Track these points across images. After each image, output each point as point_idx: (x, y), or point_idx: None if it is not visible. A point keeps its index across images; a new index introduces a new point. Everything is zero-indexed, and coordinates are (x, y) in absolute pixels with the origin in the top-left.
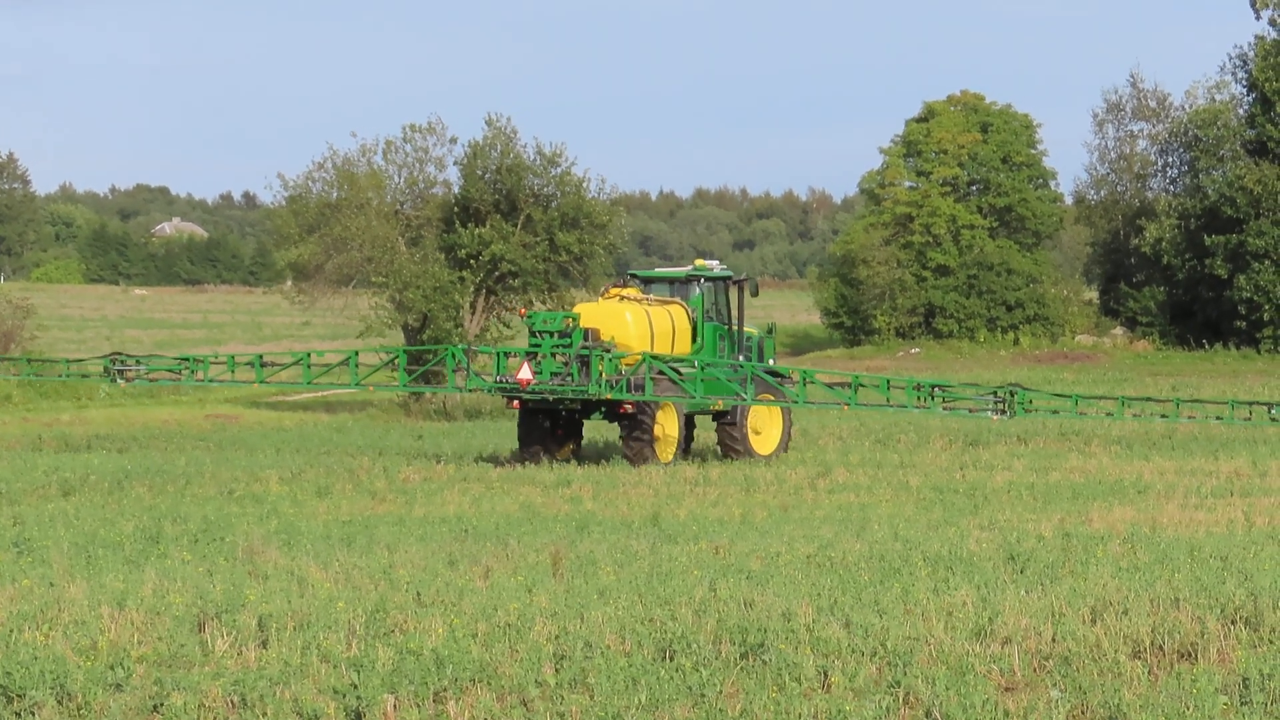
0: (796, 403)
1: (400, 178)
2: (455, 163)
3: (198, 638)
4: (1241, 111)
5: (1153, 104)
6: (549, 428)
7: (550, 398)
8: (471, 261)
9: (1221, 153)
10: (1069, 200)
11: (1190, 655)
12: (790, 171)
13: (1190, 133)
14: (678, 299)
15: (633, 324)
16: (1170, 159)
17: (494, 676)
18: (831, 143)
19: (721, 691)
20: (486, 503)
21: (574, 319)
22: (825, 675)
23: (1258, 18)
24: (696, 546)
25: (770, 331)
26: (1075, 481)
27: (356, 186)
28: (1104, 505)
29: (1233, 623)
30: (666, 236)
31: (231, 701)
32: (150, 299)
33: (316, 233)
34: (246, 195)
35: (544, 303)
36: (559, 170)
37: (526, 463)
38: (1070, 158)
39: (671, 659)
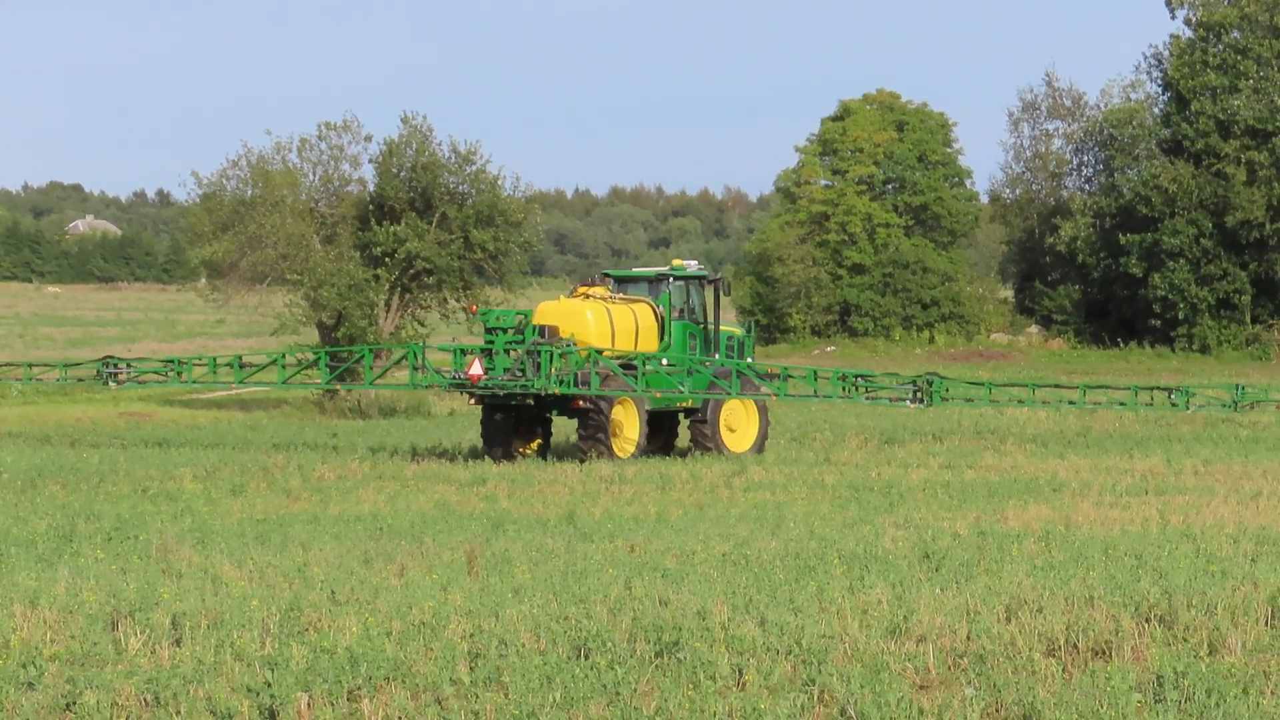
0: (727, 394)
1: (315, 175)
2: (370, 160)
3: (111, 636)
4: (1157, 110)
5: (1068, 103)
6: (513, 425)
7: (500, 393)
8: (386, 259)
9: (1136, 152)
10: (984, 199)
11: (1105, 653)
12: (706, 170)
13: (1105, 132)
14: (646, 298)
15: (593, 322)
16: (1085, 158)
17: (408, 675)
18: (747, 141)
19: (636, 690)
20: (402, 501)
21: (526, 315)
22: (740, 673)
23: (1173, 17)
24: (612, 545)
25: (749, 331)
26: (990, 479)
27: (271, 184)
28: (1019, 503)
29: (1147, 621)
30: (582, 234)
31: (145, 700)
32: (63, 297)
33: (231, 230)
34: (161, 193)
35: (458, 300)
36: (474, 168)
37: (500, 460)
38: (986, 156)
39: (586, 657)
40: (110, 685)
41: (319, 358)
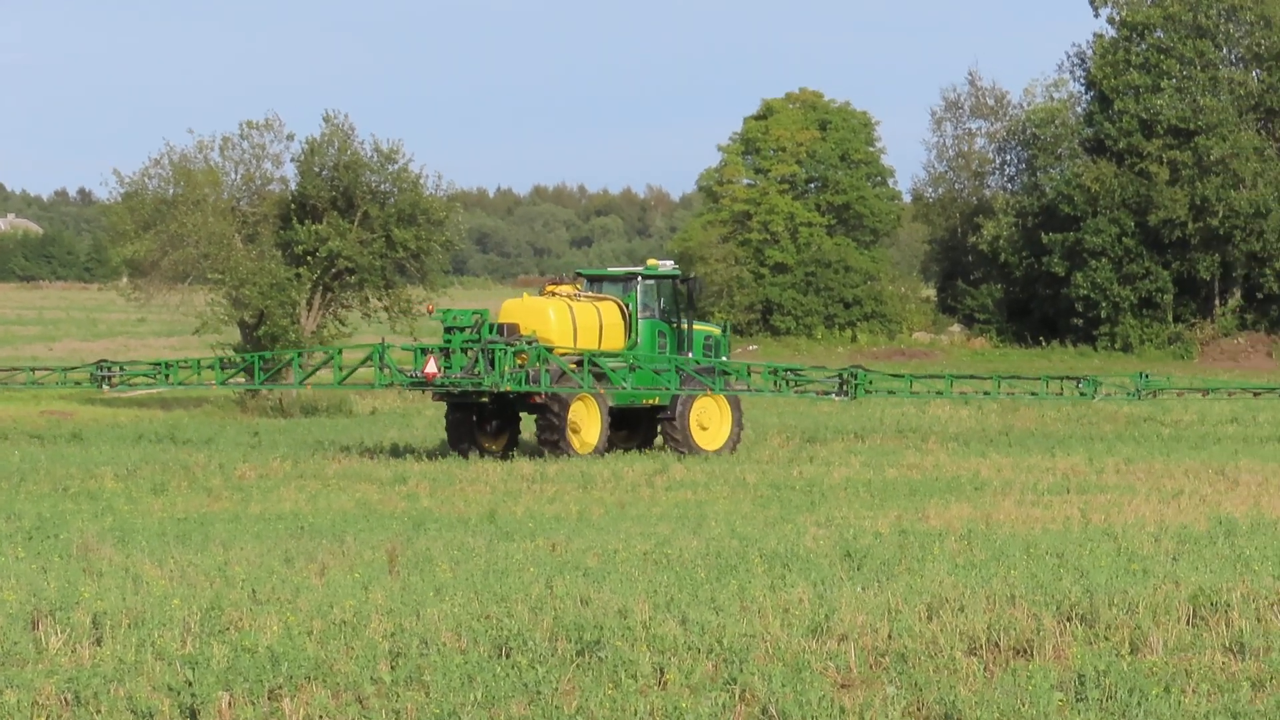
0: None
1: (237, 174)
2: (292, 159)
3: (31, 635)
4: (1079, 110)
5: (991, 102)
6: (478, 422)
7: (455, 390)
8: (308, 258)
9: (1059, 151)
10: (907, 198)
11: (1026, 652)
12: (629, 169)
13: (1028, 131)
14: (612, 296)
15: (555, 320)
16: (1008, 157)
17: (329, 674)
18: (670, 140)
19: (558, 689)
20: (323, 500)
21: (483, 314)
22: (661, 672)
23: (1096, 16)
24: (533, 544)
25: (725, 331)
26: (912, 478)
27: (193, 183)
28: (941, 502)
29: (1068, 619)
30: (504, 233)
31: (65, 699)
32: None
33: (153, 229)
34: (82, 192)
35: (380, 299)
36: (396, 167)
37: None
38: (908, 156)
39: (508, 656)
40: (30, 684)
41: (251, 360)
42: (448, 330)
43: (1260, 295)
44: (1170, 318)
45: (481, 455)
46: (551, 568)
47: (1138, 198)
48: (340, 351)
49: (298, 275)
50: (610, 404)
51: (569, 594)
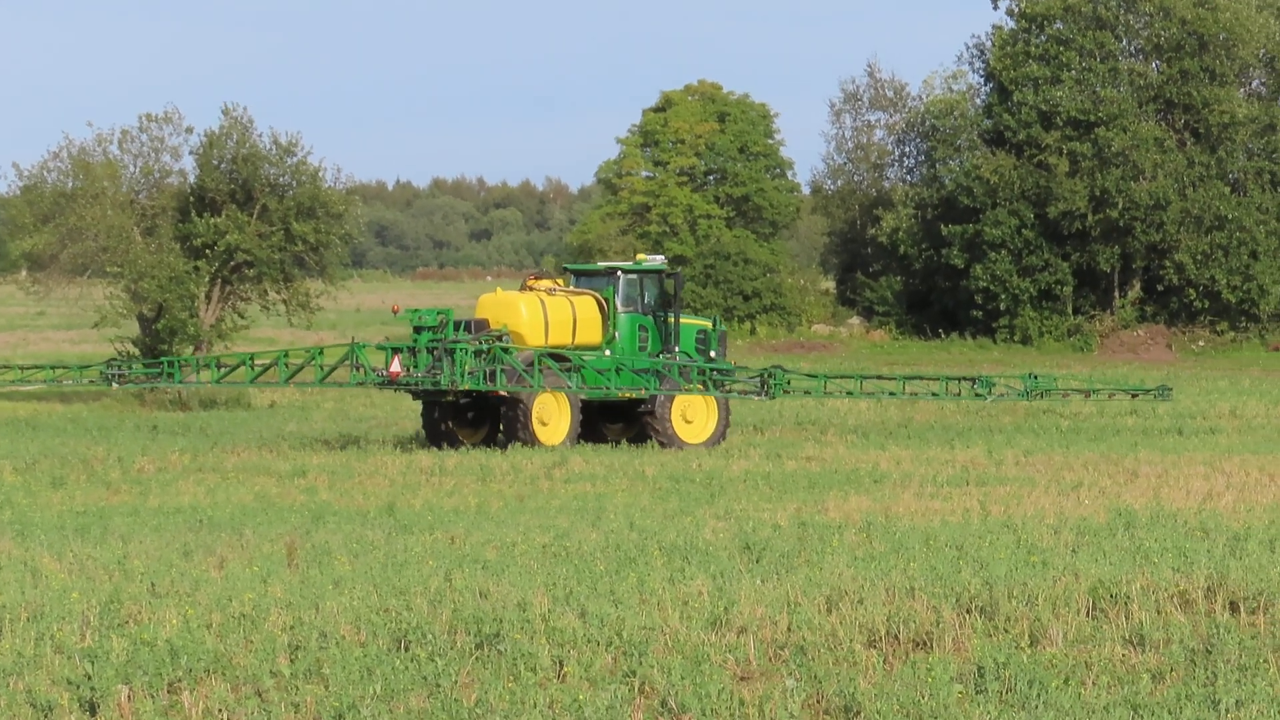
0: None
1: (136, 167)
2: (191, 152)
3: None
4: (979, 101)
5: (890, 94)
6: (457, 416)
7: (416, 388)
8: (207, 251)
9: (958, 143)
10: (806, 190)
11: (925, 644)
12: (527, 161)
13: (927, 123)
14: (590, 292)
15: (526, 314)
16: (907, 149)
17: (229, 667)
18: (568, 132)
19: (457, 681)
20: (221, 493)
21: (448, 314)
22: (560, 665)
23: (995, 7)
24: (432, 536)
25: (716, 323)
26: (811, 470)
27: (92, 176)
28: (840, 494)
29: (968, 611)
30: (403, 226)
31: None
32: None
33: (51, 222)
34: None
35: (279, 293)
36: (295, 160)
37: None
38: (807, 148)
39: (407, 649)
40: None
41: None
42: (415, 330)
43: (1160, 288)
44: (1070, 310)
45: (456, 448)
46: (450, 560)
47: (1037, 189)
48: (321, 351)
49: (196, 268)
50: (583, 398)
51: (468, 587)
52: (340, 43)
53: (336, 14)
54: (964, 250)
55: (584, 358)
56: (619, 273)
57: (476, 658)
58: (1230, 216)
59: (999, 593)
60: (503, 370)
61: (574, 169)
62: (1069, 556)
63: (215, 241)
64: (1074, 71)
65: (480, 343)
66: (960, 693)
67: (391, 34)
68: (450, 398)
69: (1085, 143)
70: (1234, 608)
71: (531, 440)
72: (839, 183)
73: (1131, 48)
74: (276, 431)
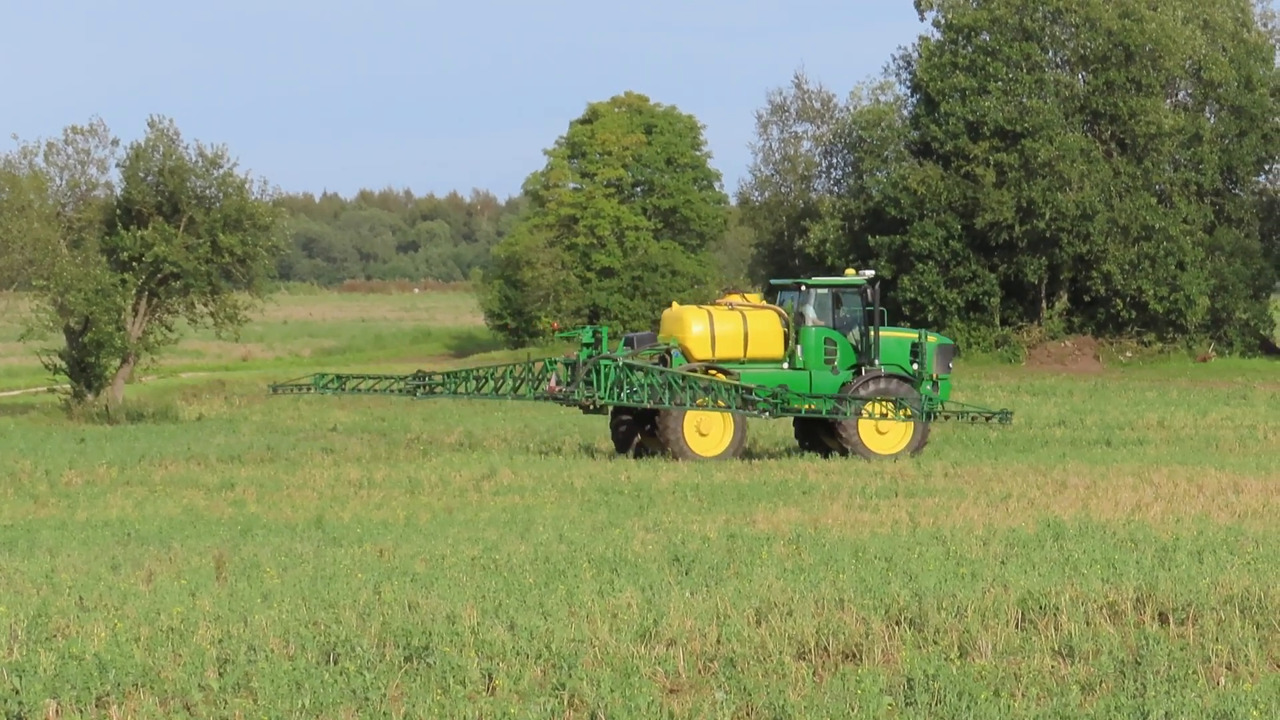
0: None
1: (62, 180)
2: (117, 165)
3: None
4: (905, 113)
5: (817, 105)
6: (640, 426)
7: (567, 402)
8: (134, 264)
9: (886, 154)
10: (733, 201)
11: (855, 656)
12: (455, 173)
13: (854, 134)
14: (774, 306)
15: (691, 328)
16: (834, 160)
17: (157, 681)
18: (496, 144)
19: (385, 695)
20: (150, 506)
21: (602, 331)
22: (490, 678)
23: (921, 19)
24: (361, 549)
25: (923, 335)
26: (740, 482)
27: (17, 189)
28: (769, 506)
29: (897, 623)
30: (331, 238)
31: None
32: None
33: None
34: None
35: (206, 305)
36: (221, 172)
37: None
38: (735, 159)
39: (335, 662)
40: None
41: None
42: (584, 345)
43: (1087, 298)
44: (997, 321)
45: (638, 456)
46: (379, 573)
47: (964, 200)
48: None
49: (123, 281)
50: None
51: (397, 600)
52: (267, 55)
53: (264, 26)
54: (891, 261)
55: (745, 372)
56: (804, 287)
57: (405, 671)
58: (1157, 227)
59: (928, 604)
60: (646, 386)
61: (501, 181)
62: (998, 568)
63: (142, 254)
64: (1000, 82)
65: (645, 357)
66: (890, 705)
67: (318, 47)
68: (591, 409)
69: (1012, 153)
70: (1163, 619)
71: (684, 452)
72: (766, 194)
73: (1058, 59)
74: (204, 444)
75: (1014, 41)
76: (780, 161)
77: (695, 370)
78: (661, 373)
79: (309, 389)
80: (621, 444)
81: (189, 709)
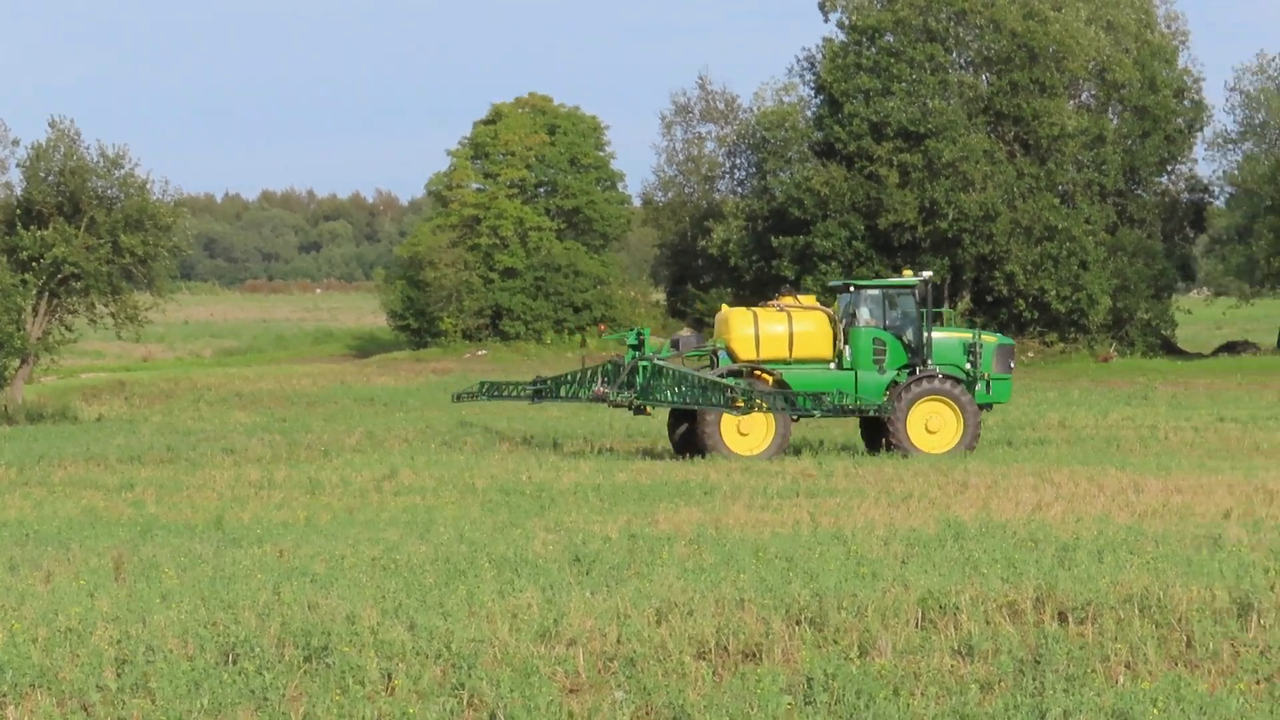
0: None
1: None
2: (17, 165)
3: None
4: (809, 113)
5: (721, 106)
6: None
7: (613, 405)
8: (34, 264)
9: (789, 154)
10: (637, 202)
11: (755, 655)
12: (357, 174)
13: (758, 135)
14: (823, 308)
15: (736, 330)
16: (738, 161)
17: (54, 681)
18: (399, 145)
19: (284, 695)
20: (48, 506)
21: (644, 333)
22: (389, 678)
23: (826, 20)
24: (261, 550)
25: (978, 334)
26: (642, 482)
27: None
28: (670, 506)
29: (797, 623)
30: (232, 239)
31: None
32: None
33: None
34: None
35: (107, 306)
36: (122, 172)
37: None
38: (638, 160)
39: (234, 663)
40: None
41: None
42: (629, 348)
43: (989, 298)
44: None
45: (690, 457)
46: (279, 574)
47: (868, 201)
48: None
49: (23, 281)
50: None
51: (296, 600)
52: (168, 55)
53: (166, 26)
54: (794, 262)
55: (792, 373)
56: (853, 288)
57: (305, 671)
58: (1059, 227)
59: (828, 604)
60: (671, 388)
61: (404, 181)
62: (898, 567)
63: (42, 254)
64: (904, 84)
65: (690, 359)
66: (789, 704)
67: (219, 46)
68: (637, 411)
69: (915, 154)
70: (1062, 618)
71: (722, 451)
72: (669, 195)
73: (962, 60)
74: (104, 445)
75: (918, 43)
76: (684, 162)
77: (739, 371)
78: (686, 375)
79: (474, 396)
80: (679, 446)
81: (86, 709)
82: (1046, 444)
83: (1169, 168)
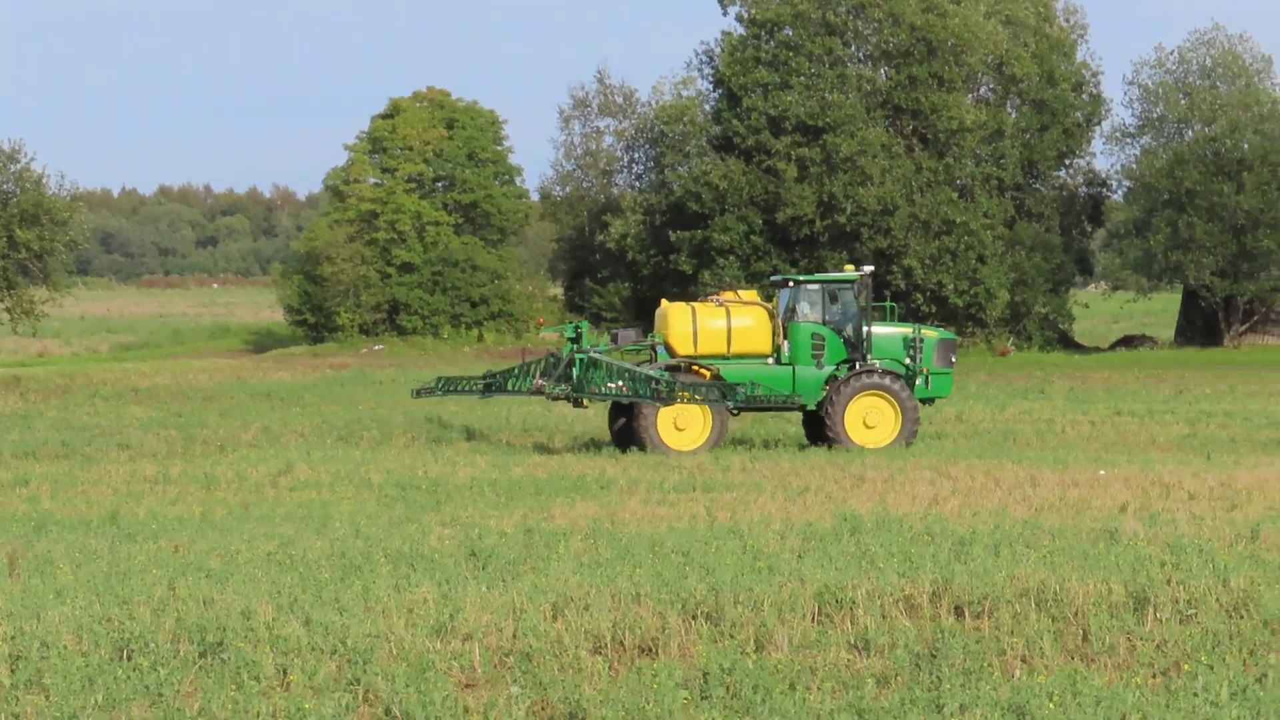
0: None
1: None
2: None
3: None
4: (708, 108)
5: (619, 100)
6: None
7: (552, 398)
8: None
9: (687, 149)
10: (535, 197)
11: (651, 650)
12: (254, 169)
13: (656, 129)
14: (761, 303)
15: (674, 325)
16: (636, 155)
17: None
18: (296, 140)
19: (180, 690)
20: None
21: (581, 326)
22: (285, 673)
23: (725, 13)
24: (156, 545)
25: (918, 330)
26: (538, 477)
27: None
28: (567, 501)
29: (694, 618)
30: (129, 233)
31: None
32: None
33: None
34: None
35: (2, 301)
36: (18, 167)
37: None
38: (536, 154)
39: (129, 658)
40: None
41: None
42: (568, 340)
43: (888, 292)
44: None
45: (625, 449)
46: (174, 569)
47: (766, 195)
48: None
49: None
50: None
51: (192, 595)
52: (64, 49)
53: (60, 20)
54: (692, 256)
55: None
56: (791, 284)
57: (200, 666)
58: (958, 221)
59: (725, 599)
60: (604, 380)
61: (302, 176)
62: (795, 562)
63: None
64: (803, 78)
65: (629, 354)
66: (685, 699)
67: (116, 41)
68: (577, 404)
69: (814, 148)
70: (959, 612)
71: (656, 446)
72: (568, 189)
73: (860, 54)
74: None
75: (816, 36)
76: (582, 156)
77: (677, 366)
78: (619, 368)
79: (432, 392)
80: (619, 440)
81: None
82: (943, 438)
83: (1067, 162)
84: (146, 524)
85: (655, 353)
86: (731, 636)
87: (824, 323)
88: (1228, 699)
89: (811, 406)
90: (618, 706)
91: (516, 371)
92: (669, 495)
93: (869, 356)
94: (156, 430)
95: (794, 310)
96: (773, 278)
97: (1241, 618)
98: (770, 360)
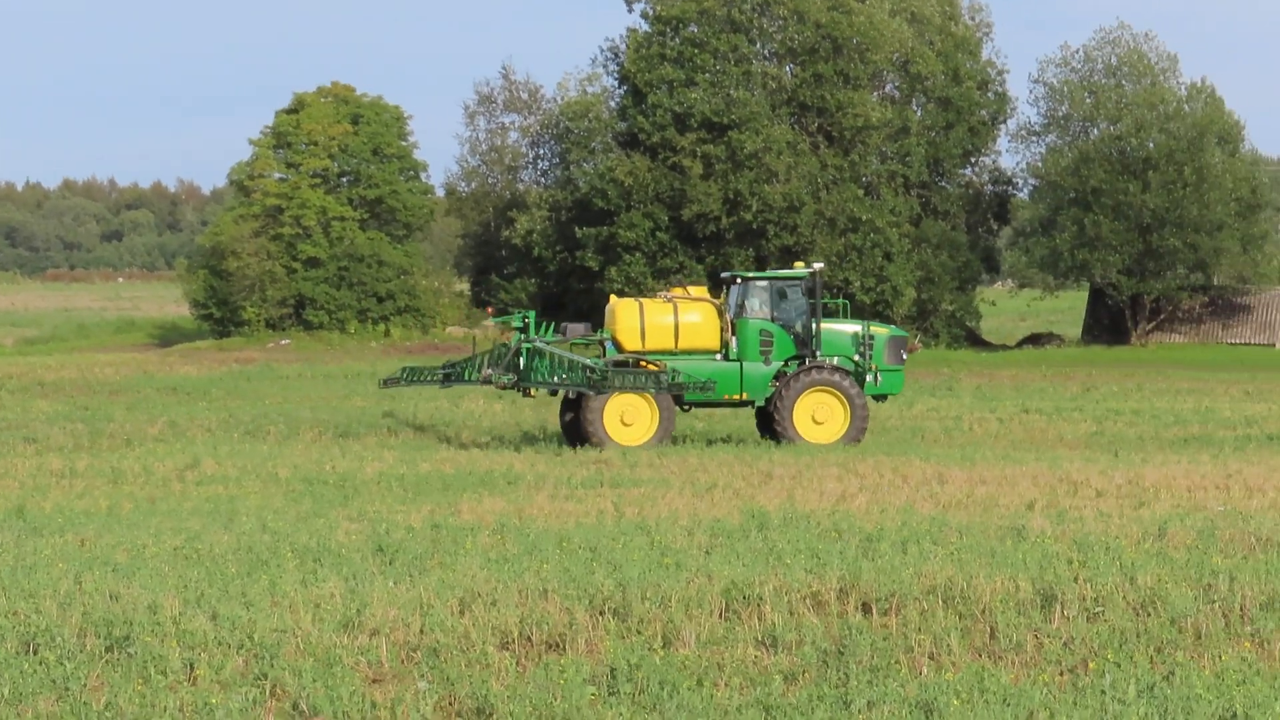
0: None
1: None
2: None
3: None
4: (613, 104)
5: (524, 96)
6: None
7: (500, 387)
8: None
9: (593, 145)
10: (440, 192)
11: (558, 646)
12: (159, 162)
13: (562, 125)
14: (712, 299)
15: (622, 320)
16: (542, 151)
17: None
18: (200, 134)
19: (86, 684)
20: None
21: (529, 316)
22: (191, 668)
23: (630, 10)
24: (62, 539)
25: (867, 327)
26: (446, 472)
27: None
28: (474, 496)
29: (601, 613)
30: (33, 227)
31: None
32: None
33: None
34: None
35: None
36: None
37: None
38: (442, 150)
39: (35, 652)
40: None
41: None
42: (515, 330)
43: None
44: None
45: (576, 446)
46: (80, 563)
47: (671, 192)
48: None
49: None
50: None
51: (98, 590)
52: None
53: None
54: (598, 252)
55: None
56: (739, 280)
57: (106, 661)
58: (864, 219)
59: (632, 594)
60: (545, 370)
61: (206, 170)
62: (702, 558)
63: None
64: (708, 74)
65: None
66: (593, 694)
67: (18, 34)
68: (507, 389)
69: (719, 145)
70: (866, 609)
71: (602, 440)
72: (473, 185)
73: (766, 51)
74: None
75: (722, 33)
76: (487, 152)
77: (625, 362)
78: (562, 357)
79: (398, 382)
80: (568, 434)
81: None
82: None
83: (973, 160)
84: (53, 518)
85: (604, 348)
86: (639, 633)
87: (772, 319)
88: (1135, 696)
89: (760, 402)
90: (525, 702)
91: (474, 362)
92: (576, 491)
93: (818, 353)
94: (62, 424)
95: (743, 306)
96: (721, 275)
97: (1149, 615)
98: (719, 356)
